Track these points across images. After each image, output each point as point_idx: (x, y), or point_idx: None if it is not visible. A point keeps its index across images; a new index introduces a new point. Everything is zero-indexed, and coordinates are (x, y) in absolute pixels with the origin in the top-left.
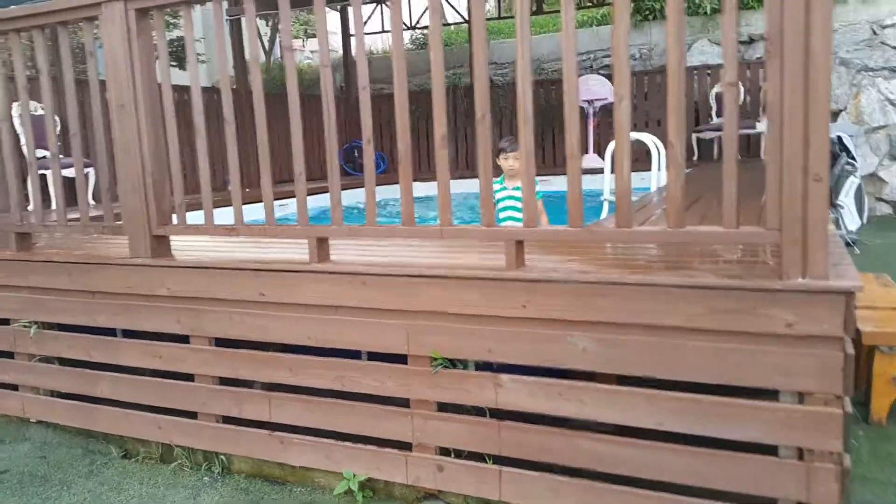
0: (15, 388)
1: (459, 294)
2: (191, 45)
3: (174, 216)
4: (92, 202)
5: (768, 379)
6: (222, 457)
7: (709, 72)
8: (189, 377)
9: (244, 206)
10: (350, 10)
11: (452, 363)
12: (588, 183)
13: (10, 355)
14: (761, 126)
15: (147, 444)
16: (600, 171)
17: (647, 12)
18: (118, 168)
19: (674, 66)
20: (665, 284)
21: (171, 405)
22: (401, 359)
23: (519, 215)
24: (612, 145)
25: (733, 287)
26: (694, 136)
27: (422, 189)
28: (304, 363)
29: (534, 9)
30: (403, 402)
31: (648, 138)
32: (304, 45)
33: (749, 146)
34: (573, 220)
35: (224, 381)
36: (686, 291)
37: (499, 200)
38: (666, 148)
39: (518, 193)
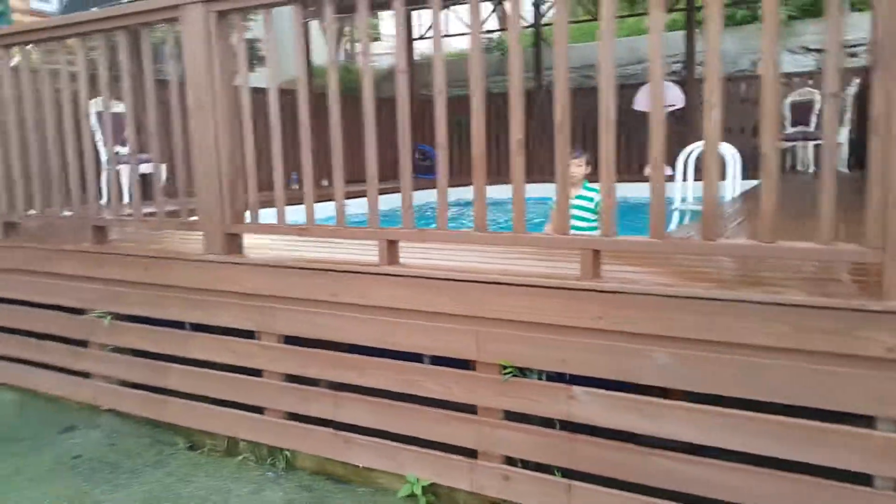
0: (87, 375)
1: (533, 303)
2: (273, 48)
3: (246, 214)
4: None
5: (863, 405)
6: (287, 453)
7: (783, 80)
8: (257, 373)
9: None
10: (415, 14)
11: (522, 372)
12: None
13: (84, 344)
14: (839, 136)
15: (213, 437)
16: (669, 178)
17: None
18: (195, 167)
19: (769, 74)
20: (752, 301)
21: (238, 399)
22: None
23: (580, 224)
24: (684, 153)
25: (826, 306)
26: None
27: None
28: (372, 364)
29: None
30: (467, 408)
31: (723, 147)
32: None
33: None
34: (655, 230)
35: (290, 379)
36: (774, 309)
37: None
38: (760, 159)
39: (580, 202)
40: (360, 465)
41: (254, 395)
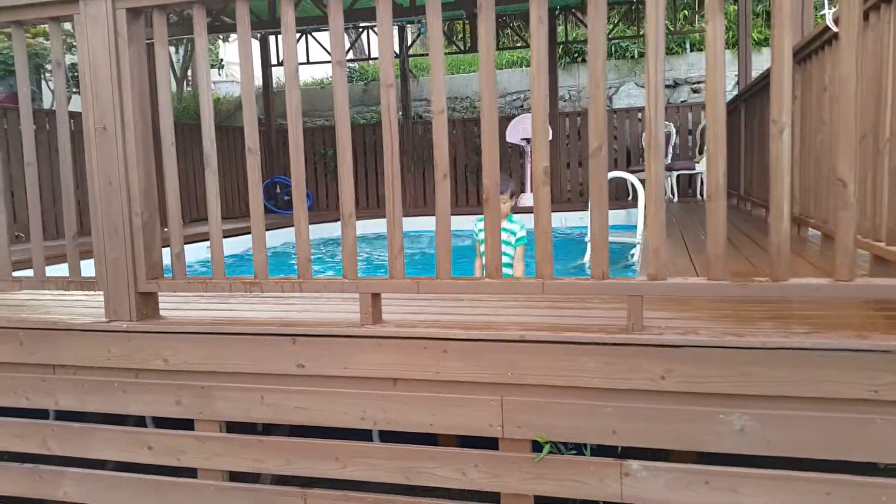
0: None
1: (573, 363)
2: (203, 58)
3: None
4: None
5: None
6: None
7: (640, 115)
8: (191, 472)
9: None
10: (272, 39)
11: (558, 447)
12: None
13: None
14: (700, 167)
15: None
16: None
17: (576, 55)
18: (94, 207)
19: (849, 96)
20: (844, 349)
21: None
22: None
23: (510, 261)
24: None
25: None
26: None
27: (370, 227)
28: (357, 451)
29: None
30: (489, 498)
31: (628, 176)
32: (220, 74)
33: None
34: (714, 271)
35: (236, 477)
36: (868, 356)
37: (482, 242)
38: (837, 187)
39: (507, 237)
40: None
41: (186, 501)
